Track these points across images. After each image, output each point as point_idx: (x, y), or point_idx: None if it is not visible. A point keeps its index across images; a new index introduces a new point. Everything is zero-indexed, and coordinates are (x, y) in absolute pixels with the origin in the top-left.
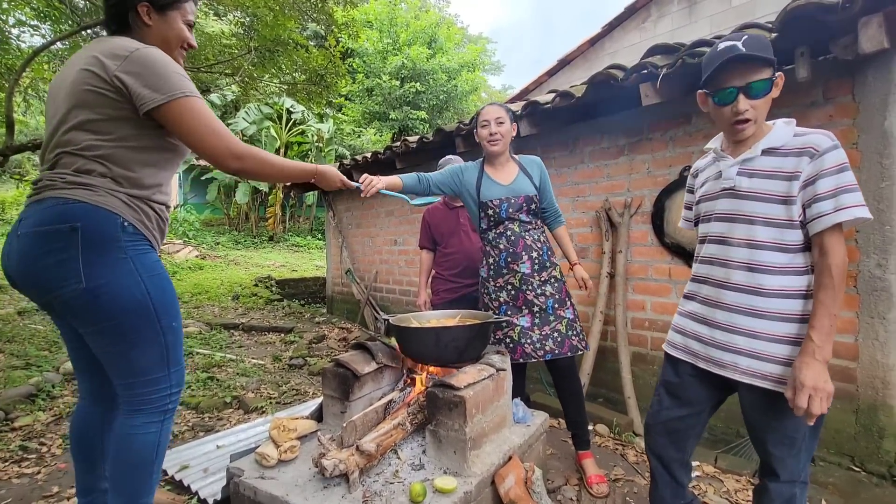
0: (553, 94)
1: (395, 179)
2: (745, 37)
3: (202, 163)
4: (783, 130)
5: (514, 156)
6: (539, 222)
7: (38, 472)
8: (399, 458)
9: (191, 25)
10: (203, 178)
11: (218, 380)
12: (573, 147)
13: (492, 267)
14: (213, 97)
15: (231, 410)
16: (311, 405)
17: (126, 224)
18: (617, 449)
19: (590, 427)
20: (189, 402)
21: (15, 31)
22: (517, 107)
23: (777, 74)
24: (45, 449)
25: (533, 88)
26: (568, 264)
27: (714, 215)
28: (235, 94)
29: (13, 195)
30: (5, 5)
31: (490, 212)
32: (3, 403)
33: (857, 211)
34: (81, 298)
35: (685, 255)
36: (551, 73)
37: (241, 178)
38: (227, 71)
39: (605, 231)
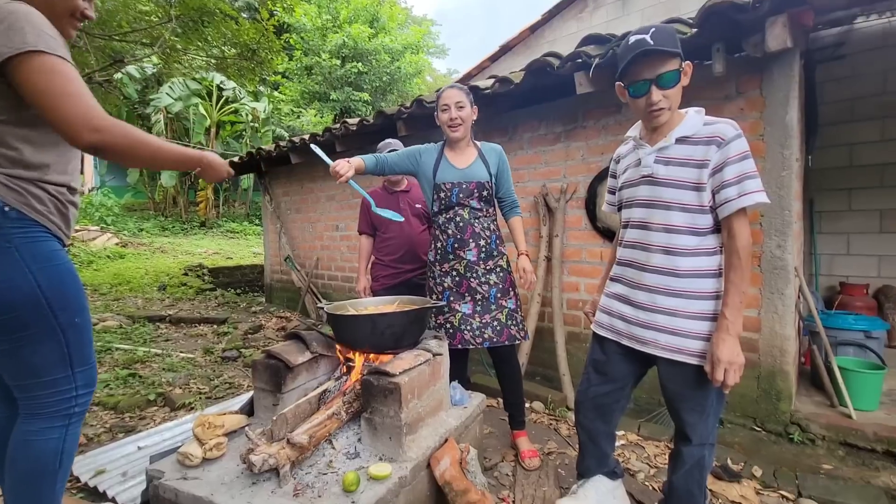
0: (492, 80)
1: (358, 161)
2: (653, 29)
3: None
4: (694, 119)
5: (476, 142)
6: (491, 210)
7: None
8: (333, 447)
9: None
10: None
11: (141, 376)
12: (512, 133)
13: (439, 251)
14: (131, 69)
15: (155, 408)
16: (243, 399)
17: (7, 209)
18: (551, 424)
19: (527, 405)
20: (106, 401)
21: None
22: None
23: (685, 64)
24: None
25: (476, 73)
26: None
27: (635, 201)
28: (157, 67)
29: None
30: None
31: (442, 195)
32: None
33: (757, 196)
34: None
35: (615, 238)
36: (493, 58)
37: (100, 158)
38: (144, 40)
39: (543, 216)
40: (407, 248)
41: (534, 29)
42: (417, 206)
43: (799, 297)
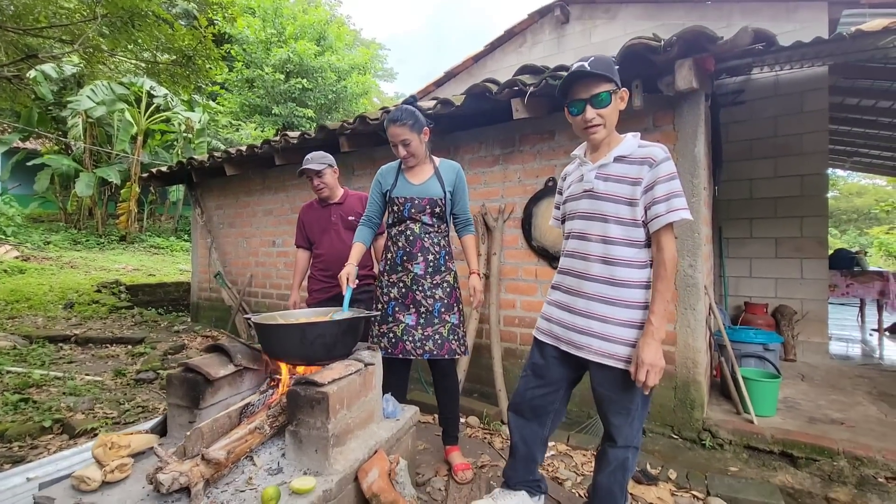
0: (435, 101)
1: (357, 249)
2: (592, 58)
3: (28, 145)
4: (630, 142)
5: (435, 158)
6: (443, 227)
7: None
8: (255, 464)
9: None
10: (29, 163)
11: (35, 402)
12: (454, 153)
13: (388, 262)
14: (47, 67)
15: (51, 436)
16: (155, 421)
17: None
18: (485, 438)
19: (462, 420)
20: None
21: None
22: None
23: (621, 90)
24: None
25: (421, 97)
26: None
27: (577, 214)
28: (77, 67)
29: None
30: None
31: (395, 208)
32: None
33: (683, 213)
34: None
35: (549, 257)
36: (438, 83)
37: None
38: (64, 37)
39: (482, 234)
40: (338, 261)
41: (477, 59)
42: (350, 218)
43: (709, 313)
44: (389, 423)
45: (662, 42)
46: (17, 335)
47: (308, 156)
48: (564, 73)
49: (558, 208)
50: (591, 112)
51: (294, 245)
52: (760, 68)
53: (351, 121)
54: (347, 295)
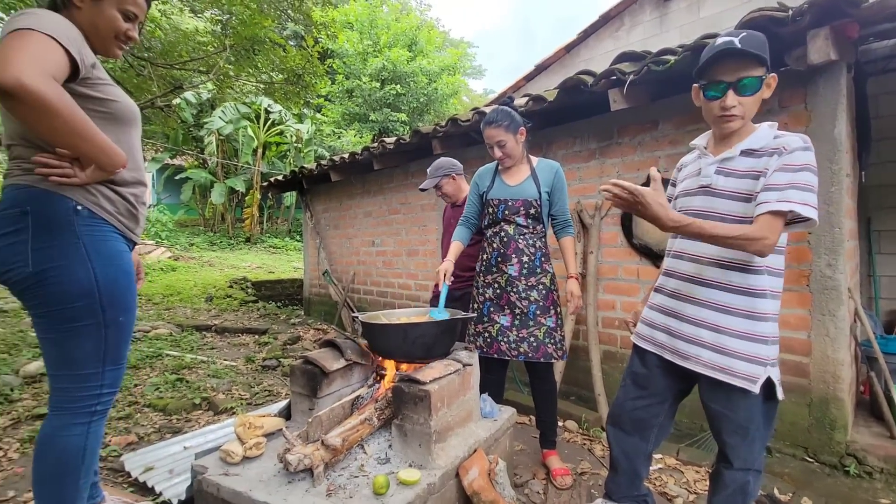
0: (527, 98)
1: (455, 247)
2: (744, 34)
3: (176, 161)
4: (764, 132)
5: (533, 158)
6: (539, 228)
7: None
8: (365, 452)
9: (130, 17)
10: (177, 177)
11: (188, 381)
12: (546, 150)
13: (483, 263)
14: (188, 94)
15: (200, 412)
16: (282, 404)
17: (80, 208)
18: (585, 444)
19: (560, 423)
20: (156, 403)
21: None
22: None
23: (770, 75)
24: (1, 453)
25: (511, 93)
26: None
27: (689, 211)
28: (211, 93)
29: None
30: None
31: (490, 210)
32: None
33: (798, 207)
34: (28, 281)
35: (652, 255)
36: (528, 78)
37: (9, 108)
38: (201, 68)
39: (578, 232)
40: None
41: (569, 48)
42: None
43: (855, 320)
44: (487, 422)
45: (790, 11)
46: (172, 324)
47: (428, 169)
48: (669, 58)
49: (670, 201)
50: (732, 99)
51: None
52: None
53: (443, 124)
54: (443, 291)
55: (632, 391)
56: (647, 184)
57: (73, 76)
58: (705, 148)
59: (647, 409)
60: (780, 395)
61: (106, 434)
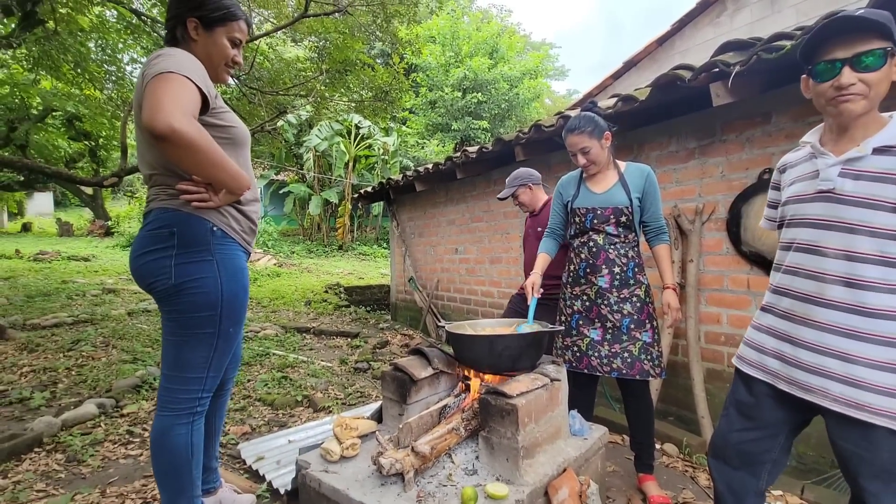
0: (615, 99)
1: (542, 259)
2: (862, 10)
3: (280, 177)
4: None
5: (620, 162)
6: (631, 236)
7: (141, 455)
8: (453, 461)
9: (237, 43)
10: (281, 192)
11: (291, 379)
12: (637, 152)
13: (571, 274)
14: (290, 117)
15: (302, 408)
16: (373, 407)
17: (215, 229)
18: (686, 471)
19: (658, 446)
20: (265, 398)
21: (129, 69)
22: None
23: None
24: (146, 433)
25: (597, 93)
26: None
27: (805, 220)
28: (309, 114)
29: (126, 210)
30: (121, 45)
31: (577, 219)
32: (115, 392)
33: None
34: (169, 291)
35: (766, 264)
36: (616, 76)
37: (163, 149)
38: (301, 93)
39: (675, 239)
40: (529, 269)
41: (662, 41)
42: (539, 229)
43: None
44: (577, 441)
45: None
46: (278, 325)
47: (507, 179)
48: (784, 44)
49: (774, 207)
50: (849, 75)
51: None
52: None
53: (526, 130)
54: (532, 304)
55: (737, 422)
56: (757, 184)
57: (203, 109)
58: (820, 145)
59: (756, 444)
60: None
61: (226, 424)
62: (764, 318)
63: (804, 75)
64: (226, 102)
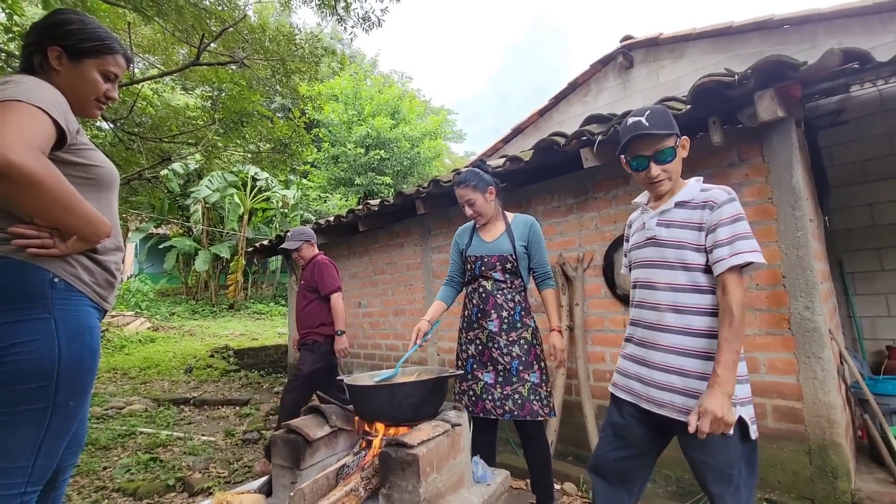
0: (503, 159)
1: (435, 306)
2: (648, 112)
3: (161, 230)
4: (692, 186)
5: (509, 214)
6: (517, 282)
7: None
8: None
9: (111, 78)
10: (160, 246)
11: (162, 461)
12: (526, 206)
13: (465, 319)
14: (176, 166)
15: (174, 494)
16: (261, 480)
17: (56, 280)
18: None
19: (558, 486)
20: (126, 487)
21: None
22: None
23: (681, 139)
24: None
25: (491, 153)
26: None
27: (642, 262)
28: (199, 163)
29: None
30: None
31: (469, 266)
32: None
33: (749, 255)
34: None
35: None
36: (506, 140)
37: (3, 193)
38: (190, 141)
39: (562, 285)
40: (297, 319)
41: (542, 112)
42: (302, 282)
43: (841, 362)
44: (480, 487)
45: (736, 76)
46: (148, 398)
47: (294, 230)
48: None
49: (626, 256)
50: (655, 169)
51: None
52: (861, 85)
53: (426, 185)
54: (409, 351)
55: (613, 441)
56: (620, 238)
57: (59, 144)
58: (646, 204)
59: (628, 461)
60: (753, 434)
61: None
62: (627, 348)
63: (622, 158)
64: (94, 143)
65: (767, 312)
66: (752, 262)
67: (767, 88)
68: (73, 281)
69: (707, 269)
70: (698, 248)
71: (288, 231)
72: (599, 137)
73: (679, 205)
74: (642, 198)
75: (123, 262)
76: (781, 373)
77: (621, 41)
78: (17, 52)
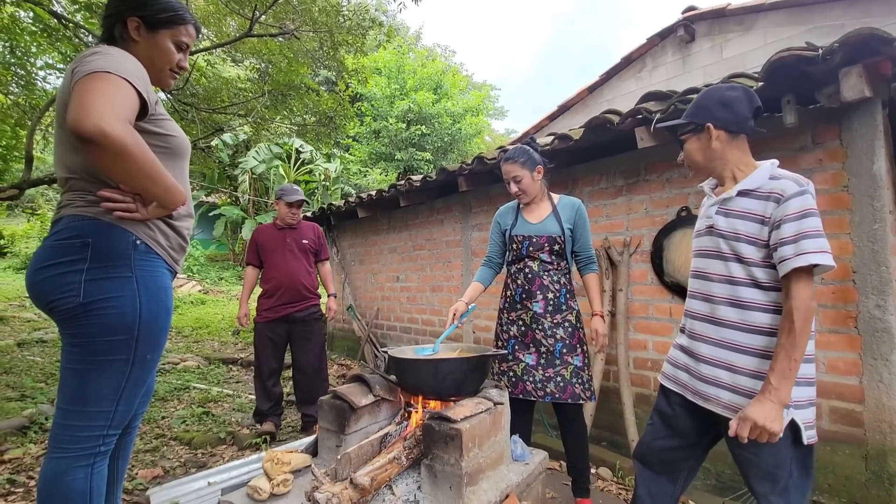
0: (552, 137)
1: (473, 288)
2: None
3: (210, 199)
4: (761, 173)
5: (554, 195)
6: (563, 264)
7: None
8: (393, 493)
9: (183, 48)
10: (210, 214)
11: (213, 415)
12: (572, 187)
13: (507, 300)
14: (226, 136)
15: (225, 447)
16: (308, 440)
17: (138, 242)
18: (620, 493)
19: (592, 470)
20: (182, 437)
21: (41, 74)
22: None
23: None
24: (32, 483)
25: (534, 132)
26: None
27: (699, 251)
28: (247, 135)
29: (23, 229)
30: (34, 49)
31: (514, 246)
32: None
33: (814, 257)
34: (75, 311)
35: (684, 293)
36: (552, 117)
37: (89, 153)
38: (240, 112)
39: (606, 269)
40: (288, 284)
41: (592, 89)
42: (304, 241)
43: None
44: (519, 466)
45: (821, 50)
46: (200, 356)
47: (294, 187)
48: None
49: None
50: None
51: (249, 264)
52: None
53: (469, 161)
54: (447, 331)
55: (660, 430)
56: (675, 220)
57: (142, 114)
58: (712, 190)
59: (675, 452)
60: (805, 439)
61: (132, 466)
62: (679, 338)
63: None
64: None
65: (833, 309)
66: (818, 265)
67: (855, 65)
68: (153, 244)
69: (768, 265)
70: (755, 242)
71: (330, 203)
72: (658, 115)
73: (742, 193)
74: (708, 183)
75: (191, 219)
76: (843, 373)
77: (683, 12)
78: (83, 23)
